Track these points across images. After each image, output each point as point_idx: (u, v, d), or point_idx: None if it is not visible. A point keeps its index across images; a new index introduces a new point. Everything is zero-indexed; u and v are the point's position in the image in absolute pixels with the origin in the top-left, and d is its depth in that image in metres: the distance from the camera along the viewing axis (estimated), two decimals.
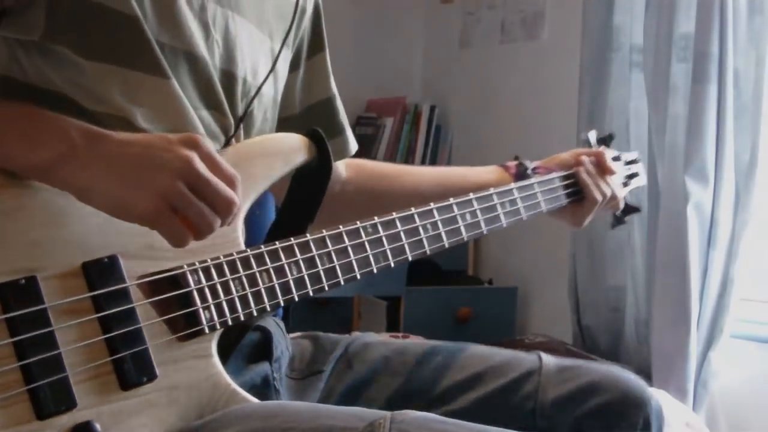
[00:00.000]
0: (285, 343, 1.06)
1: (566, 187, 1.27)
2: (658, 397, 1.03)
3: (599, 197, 1.28)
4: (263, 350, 1.00)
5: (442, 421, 0.81)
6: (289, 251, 0.90)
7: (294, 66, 1.13)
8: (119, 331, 0.79)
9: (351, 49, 3.48)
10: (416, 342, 1.12)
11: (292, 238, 0.91)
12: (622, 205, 1.36)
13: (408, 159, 3.38)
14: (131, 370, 0.80)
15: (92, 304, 0.79)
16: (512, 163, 1.28)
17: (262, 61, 1.02)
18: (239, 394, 0.86)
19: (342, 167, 1.23)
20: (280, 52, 1.04)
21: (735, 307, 2.32)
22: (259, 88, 1.00)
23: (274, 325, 1.04)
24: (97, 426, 0.77)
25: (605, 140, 1.41)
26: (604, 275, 2.66)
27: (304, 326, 2.71)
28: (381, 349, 1.07)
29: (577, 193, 1.28)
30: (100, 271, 0.80)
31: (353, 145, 1.21)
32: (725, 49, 2.23)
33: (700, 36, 2.26)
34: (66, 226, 0.80)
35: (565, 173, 1.28)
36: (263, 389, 0.97)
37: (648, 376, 2.44)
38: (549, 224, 3.03)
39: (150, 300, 0.81)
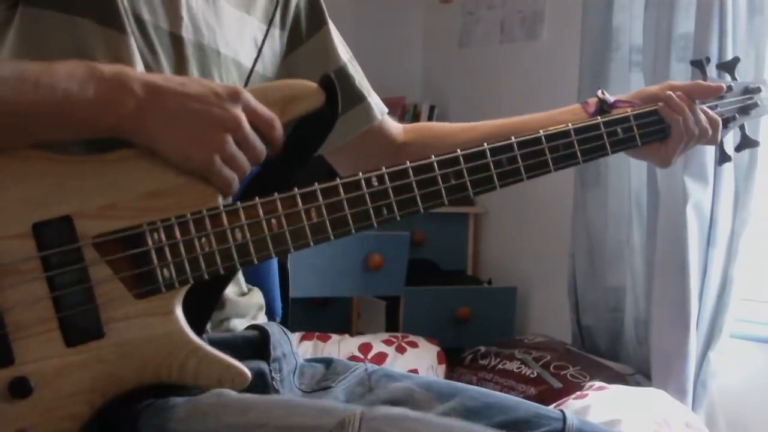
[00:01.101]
0: (289, 348, 1.04)
1: (646, 125, 1.14)
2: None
3: (685, 134, 1.16)
4: (260, 349, 0.99)
5: (415, 419, 0.79)
6: (270, 206, 0.88)
7: (293, 45, 1.12)
8: (65, 290, 0.81)
9: (351, 48, 3.48)
10: (440, 380, 1.09)
11: (276, 193, 0.89)
12: (719, 140, 1.22)
13: None
14: (76, 326, 0.81)
15: (41, 265, 0.81)
16: (593, 100, 1.18)
17: (240, 37, 1.02)
18: (201, 350, 0.86)
19: (395, 131, 1.22)
20: (266, 33, 1.03)
21: (734, 307, 2.32)
22: (252, 70, 1.01)
23: (277, 329, 1.04)
24: (31, 382, 0.80)
25: (727, 66, 1.28)
26: (603, 275, 2.66)
27: (304, 326, 2.73)
28: (405, 381, 1.04)
29: (661, 130, 1.16)
30: (51, 232, 0.81)
31: (379, 109, 1.19)
32: (725, 49, 2.23)
33: (700, 36, 2.26)
34: (16, 187, 0.81)
35: (643, 110, 1.14)
36: (260, 386, 0.96)
37: (647, 376, 2.44)
38: (549, 224, 3.04)
39: (104, 259, 0.82)
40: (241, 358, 0.97)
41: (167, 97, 0.84)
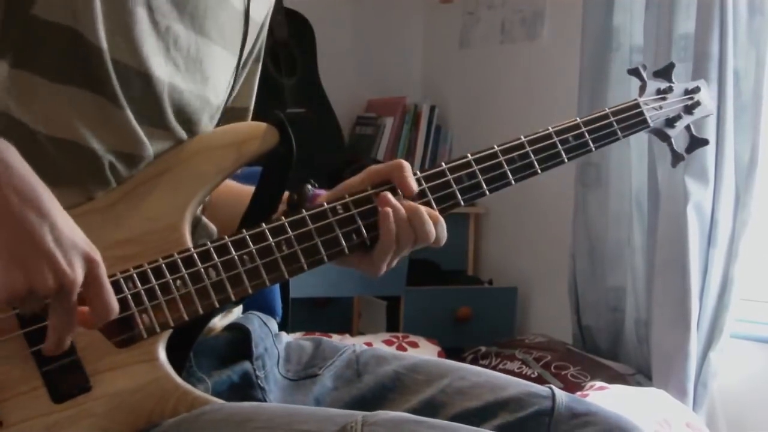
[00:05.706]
0: (271, 341, 1.04)
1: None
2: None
3: (392, 241, 0.92)
4: (242, 349, 0.99)
5: (416, 422, 0.80)
6: (240, 244, 0.88)
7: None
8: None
9: (351, 49, 3.48)
10: (429, 359, 1.09)
11: (244, 230, 0.89)
12: (443, 241, 0.96)
13: (408, 159, 3.37)
14: (61, 381, 0.80)
15: (17, 321, 0.79)
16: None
17: (225, 79, 1.00)
18: (190, 394, 0.85)
19: None
20: (238, 71, 1.01)
21: (735, 307, 2.32)
22: (225, 106, 0.99)
23: (257, 322, 1.03)
24: None
25: (663, 72, 1.21)
26: (604, 275, 2.66)
27: (304, 326, 2.73)
28: (393, 363, 1.03)
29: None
30: None
31: None
32: (725, 49, 2.23)
33: (700, 36, 2.26)
34: None
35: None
36: (245, 388, 0.97)
37: (648, 376, 2.44)
38: (549, 224, 3.04)
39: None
40: (226, 364, 0.97)
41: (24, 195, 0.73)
